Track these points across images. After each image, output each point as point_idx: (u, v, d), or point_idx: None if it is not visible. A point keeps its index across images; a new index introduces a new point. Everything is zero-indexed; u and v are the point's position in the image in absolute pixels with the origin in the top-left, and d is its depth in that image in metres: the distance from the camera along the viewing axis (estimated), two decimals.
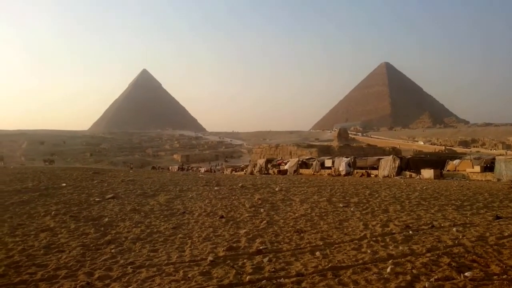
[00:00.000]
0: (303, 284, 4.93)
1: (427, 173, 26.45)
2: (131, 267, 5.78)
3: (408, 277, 5.02)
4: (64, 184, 16.80)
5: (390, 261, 5.72)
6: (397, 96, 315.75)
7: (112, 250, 6.74)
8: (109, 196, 13.25)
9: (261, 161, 45.85)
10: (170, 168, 66.54)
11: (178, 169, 60.79)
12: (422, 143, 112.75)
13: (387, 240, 7.09)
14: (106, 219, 9.49)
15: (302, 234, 7.69)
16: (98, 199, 12.79)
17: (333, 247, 6.69)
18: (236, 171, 49.57)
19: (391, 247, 6.55)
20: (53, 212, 10.30)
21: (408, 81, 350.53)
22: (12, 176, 20.66)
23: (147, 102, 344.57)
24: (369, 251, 6.32)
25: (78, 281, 5.21)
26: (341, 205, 11.25)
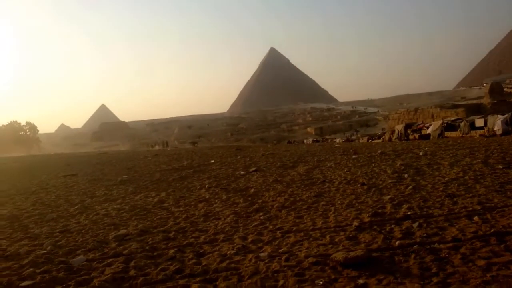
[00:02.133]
0: (462, 250, 4.54)
1: None
2: (279, 232, 6.11)
3: None
4: (212, 161, 18.54)
5: None
6: None
7: (261, 217, 7.22)
8: (252, 169, 14.14)
9: (399, 127, 43.10)
10: (305, 141, 67.62)
11: (313, 142, 61.38)
12: None
13: None
14: (252, 190, 10.18)
15: (455, 199, 7.06)
16: (243, 172, 13.78)
17: (494, 211, 5.99)
18: (372, 140, 47.75)
19: None
20: (206, 185, 11.50)
21: None
22: (170, 157, 23.65)
23: (277, 79, 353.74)
24: None
25: (235, 244, 5.73)
26: (500, 166, 9.93)
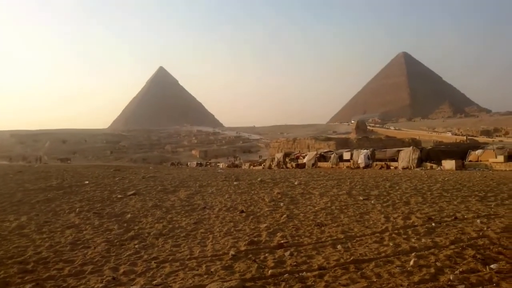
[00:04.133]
0: (326, 278, 4.93)
1: (449, 164, 25.97)
2: (154, 262, 5.88)
3: (432, 270, 4.96)
4: (87, 182, 17.16)
5: (413, 254, 5.66)
6: (416, 86, 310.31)
7: (136, 246, 6.87)
8: (131, 192, 13.48)
9: (279, 155, 45.80)
10: (188, 164, 67.16)
11: (196, 165, 61.29)
12: (450, 134, 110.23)
13: (409, 232, 7.01)
14: (129, 215, 9.66)
15: (322, 228, 7.68)
16: (120, 195, 13.03)
17: (354, 240, 6.66)
18: (254, 166, 49.66)
19: (413, 240, 6.48)
20: (77, 209, 10.56)
21: (427, 70, 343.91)
22: (37, 175, 21.21)
23: (164, 99, 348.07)
24: (391, 244, 6.27)
25: (104, 276, 5.33)
26: (361, 198, 11.18)
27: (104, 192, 14.07)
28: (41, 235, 7.86)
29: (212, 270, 5.43)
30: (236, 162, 65.39)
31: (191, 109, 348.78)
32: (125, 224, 8.69)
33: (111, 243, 7.12)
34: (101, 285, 4.99)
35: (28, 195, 13.47)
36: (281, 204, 10.63)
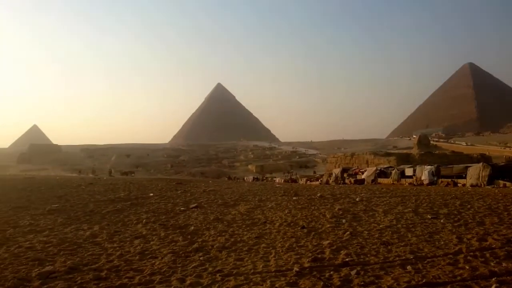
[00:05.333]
0: None
1: None
2: (219, 275, 5.95)
3: None
4: (151, 194, 17.93)
5: (493, 279, 5.24)
6: (484, 99, 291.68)
7: (200, 258, 7.01)
8: (193, 205, 13.85)
9: (336, 171, 44.88)
10: (245, 178, 67.88)
11: (253, 180, 61.78)
12: None
13: (487, 255, 6.50)
14: (192, 228, 9.91)
15: (389, 247, 7.36)
16: (183, 208, 13.44)
17: (425, 261, 6.30)
18: (311, 181, 49.07)
19: (492, 263, 6.00)
20: (144, 220, 11.02)
21: (496, 81, 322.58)
22: (106, 187, 22.54)
23: (222, 114, 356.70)
24: (467, 267, 5.84)
25: (172, 287, 5.48)
26: (429, 216, 10.59)
27: (168, 204, 14.59)
28: (112, 244, 8.28)
29: (277, 286, 5.38)
30: (294, 177, 64.91)
31: (247, 124, 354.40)
32: (189, 236, 8.91)
33: (177, 254, 7.33)
34: None
35: (99, 205, 14.32)
36: (343, 220, 10.35)
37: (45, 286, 5.48)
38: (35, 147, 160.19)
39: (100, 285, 5.60)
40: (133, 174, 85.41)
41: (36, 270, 6.19)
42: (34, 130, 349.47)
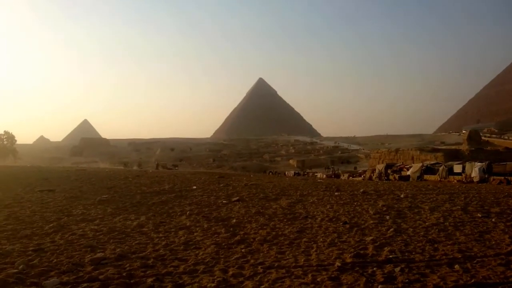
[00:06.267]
0: None
1: None
2: (261, 267, 6.03)
3: None
4: (194, 187, 18.36)
5: None
6: None
7: (242, 250, 7.13)
8: (235, 199, 14.05)
9: (380, 166, 43.76)
10: (286, 173, 67.80)
11: (294, 174, 61.58)
12: None
13: None
14: (234, 220, 10.08)
15: (435, 245, 7.12)
16: (225, 201, 13.67)
17: (474, 261, 6.05)
18: (353, 177, 48.23)
19: None
20: (188, 212, 11.33)
21: None
22: (151, 179, 23.33)
23: (263, 109, 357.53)
24: None
25: (215, 276, 5.62)
26: (479, 214, 10.12)
27: (211, 197, 14.89)
28: (158, 234, 8.59)
29: (318, 279, 5.38)
30: (337, 172, 63.93)
31: (289, 119, 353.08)
32: (231, 229, 9.07)
33: (220, 245, 7.49)
34: (213, 284, 5.27)
35: (145, 197, 14.87)
36: (387, 217, 10.12)
37: (97, 271, 5.78)
38: (86, 140, 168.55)
39: (147, 272, 5.84)
40: (176, 168, 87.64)
41: (88, 256, 6.55)
42: (85, 125, 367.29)
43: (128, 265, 6.16)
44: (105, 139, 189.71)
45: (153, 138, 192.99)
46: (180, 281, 5.47)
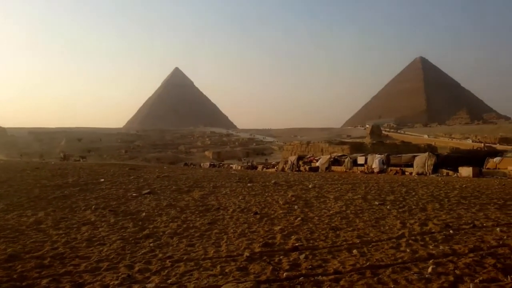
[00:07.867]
0: (342, 282, 4.87)
1: (465, 171, 25.46)
2: (169, 261, 5.89)
3: (451, 278, 4.86)
4: (102, 180, 17.35)
5: (431, 261, 5.56)
6: (433, 92, 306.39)
7: (151, 244, 6.91)
8: (146, 191, 13.57)
9: (292, 158, 45.60)
10: (201, 165, 67.41)
11: (209, 166, 61.47)
12: (470, 141, 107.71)
13: (427, 239, 6.89)
14: (144, 214, 9.73)
15: (337, 232, 7.60)
16: (135, 194, 13.14)
17: (370, 245, 6.57)
18: (267, 168, 49.58)
19: (431, 247, 6.36)
20: (93, 206, 10.68)
21: (444, 76, 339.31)
22: (53, 172, 21.55)
23: (179, 100, 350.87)
24: (408, 250, 6.16)
25: (120, 273, 5.36)
26: (376, 202, 11.04)
27: (119, 190, 14.20)
28: (57, 231, 7.96)
29: (226, 270, 5.41)
30: (254, 164, 65.13)
31: (205, 111, 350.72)
32: (140, 223, 8.74)
33: (126, 241, 7.17)
34: (116, 282, 5.02)
35: (45, 191, 13.68)
36: (296, 207, 10.56)
37: None
38: None
39: (43, 273, 5.38)
40: (84, 159, 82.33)
41: None
42: None
43: (20, 266, 5.63)
44: (1, 127, 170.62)
45: (58, 128, 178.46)
46: (80, 280, 5.13)
